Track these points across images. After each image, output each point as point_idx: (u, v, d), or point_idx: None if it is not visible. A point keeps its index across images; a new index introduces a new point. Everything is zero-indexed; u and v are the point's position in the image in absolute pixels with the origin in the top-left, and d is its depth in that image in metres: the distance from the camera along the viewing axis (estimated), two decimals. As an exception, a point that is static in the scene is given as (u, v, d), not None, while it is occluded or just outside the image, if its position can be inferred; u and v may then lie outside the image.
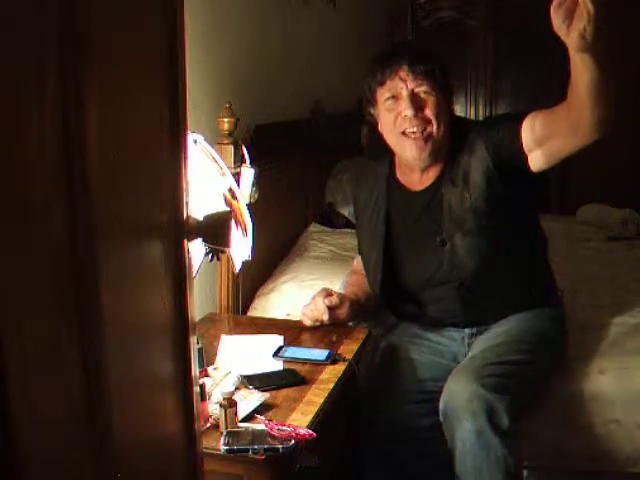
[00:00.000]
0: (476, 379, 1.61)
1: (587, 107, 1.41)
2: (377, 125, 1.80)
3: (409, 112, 1.68)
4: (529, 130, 1.62)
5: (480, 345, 1.80)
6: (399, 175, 1.87)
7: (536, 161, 1.63)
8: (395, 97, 1.70)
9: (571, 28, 1.24)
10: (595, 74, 1.33)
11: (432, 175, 1.80)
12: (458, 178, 1.74)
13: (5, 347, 0.51)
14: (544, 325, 1.82)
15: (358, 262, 2.02)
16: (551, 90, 4.36)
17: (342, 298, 1.85)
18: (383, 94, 1.72)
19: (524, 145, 1.63)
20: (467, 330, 1.85)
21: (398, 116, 1.70)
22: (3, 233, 0.53)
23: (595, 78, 1.34)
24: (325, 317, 1.82)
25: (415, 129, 1.69)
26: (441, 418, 1.66)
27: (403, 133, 1.71)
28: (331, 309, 1.82)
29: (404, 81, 1.68)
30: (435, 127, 1.70)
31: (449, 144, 1.76)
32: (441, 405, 1.65)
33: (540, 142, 1.60)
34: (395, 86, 1.70)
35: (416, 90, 1.69)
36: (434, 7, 4.35)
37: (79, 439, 0.63)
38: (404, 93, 1.69)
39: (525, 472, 1.82)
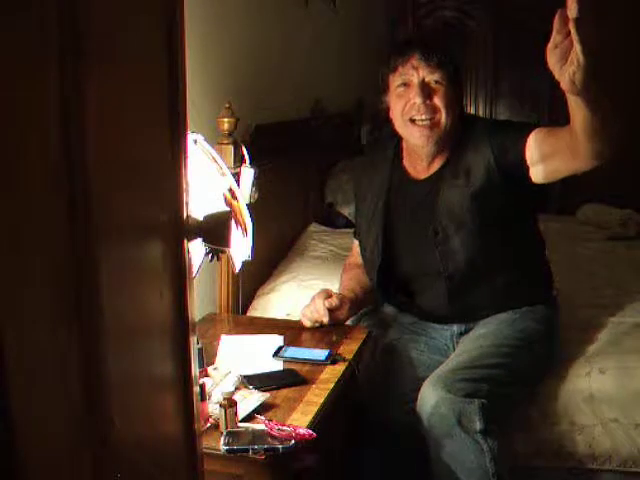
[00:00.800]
0: (445, 385, 1.62)
1: (583, 141, 1.44)
2: (388, 111, 1.81)
3: (418, 99, 1.70)
4: (534, 144, 1.64)
5: (462, 347, 1.81)
6: (405, 162, 1.88)
7: (537, 175, 1.66)
8: (406, 84, 1.73)
9: (563, 70, 1.23)
10: (588, 115, 1.35)
11: (435, 165, 1.81)
12: (459, 172, 1.75)
13: (5, 347, 0.51)
14: (530, 326, 1.82)
15: (356, 249, 2.04)
16: (551, 90, 4.37)
17: (342, 299, 1.86)
18: (395, 80, 1.75)
19: (527, 158, 1.65)
20: (455, 328, 1.86)
21: (407, 103, 1.73)
22: (3, 233, 0.53)
23: (588, 119, 1.36)
24: (325, 319, 1.82)
25: (423, 116, 1.71)
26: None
27: (411, 120, 1.73)
28: (331, 310, 1.83)
29: (416, 69, 1.71)
30: (443, 116, 1.72)
31: (455, 137, 1.78)
32: (417, 412, 1.65)
33: (542, 158, 1.63)
34: (406, 73, 1.72)
35: (427, 79, 1.71)
36: (434, 7, 4.35)
37: (79, 439, 0.63)
38: (415, 81, 1.71)
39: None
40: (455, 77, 1.75)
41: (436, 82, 1.72)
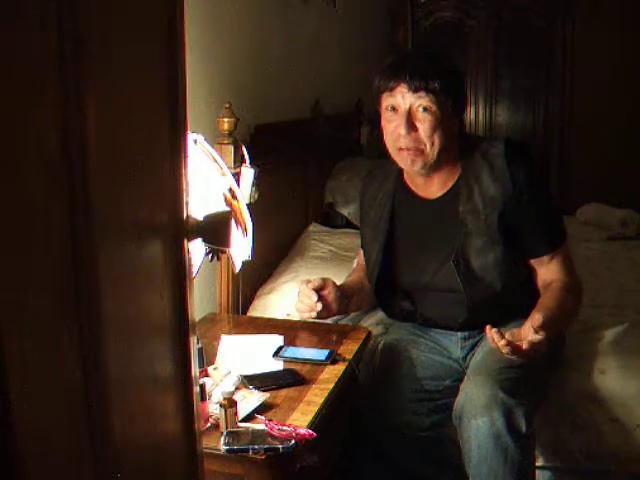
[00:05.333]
0: (494, 382, 1.60)
1: None
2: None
3: (402, 131, 1.68)
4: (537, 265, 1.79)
5: (485, 348, 1.77)
6: (406, 177, 1.86)
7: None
8: (394, 109, 1.70)
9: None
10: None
11: (440, 185, 1.79)
12: (475, 196, 1.73)
13: (5, 347, 0.51)
14: None
15: (359, 258, 2.03)
16: (551, 90, 4.37)
17: (323, 279, 1.86)
18: (384, 100, 1.72)
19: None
20: (459, 333, 1.85)
21: (395, 130, 1.70)
22: (3, 233, 0.53)
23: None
24: (314, 298, 1.80)
25: (407, 146, 1.69)
26: (455, 420, 1.64)
27: (398, 147, 1.72)
28: (318, 292, 1.82)
29: (403, 96, 1.67)
30: (428, 147, 1.69)
31: (455, 158, 1.76)
32: (456, 407, 1.64)
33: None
34: (394, 97, 1.69)
35: (415, 106, 1.67)
36: (434, 7, 4.35)
37: (79, 439, 0.63)
38: (402, 108, 1.68)
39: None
40: (449, 98, 1.67)
41: (424, 109, 1.66)
